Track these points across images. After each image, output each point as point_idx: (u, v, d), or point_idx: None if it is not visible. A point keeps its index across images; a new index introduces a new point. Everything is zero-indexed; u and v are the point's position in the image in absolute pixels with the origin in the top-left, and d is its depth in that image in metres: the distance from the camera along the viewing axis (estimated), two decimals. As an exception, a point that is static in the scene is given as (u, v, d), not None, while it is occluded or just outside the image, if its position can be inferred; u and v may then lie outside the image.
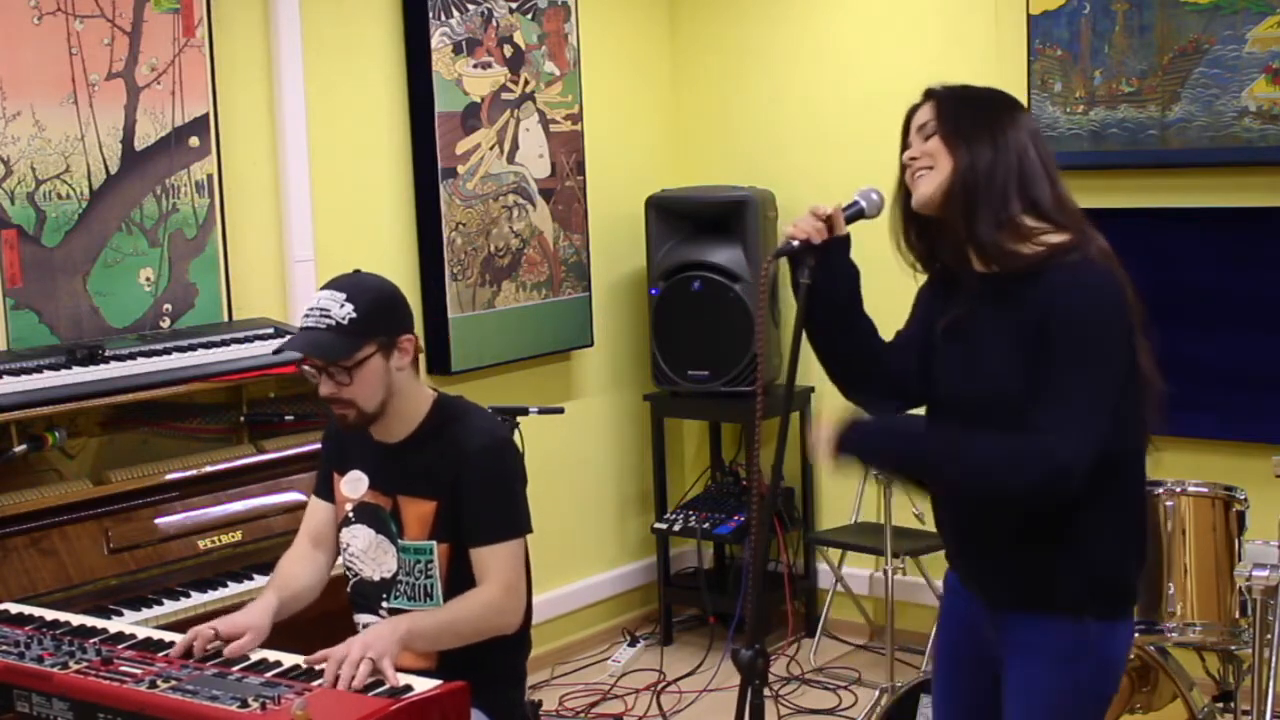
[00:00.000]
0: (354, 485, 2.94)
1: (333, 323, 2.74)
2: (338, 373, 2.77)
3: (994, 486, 2.39)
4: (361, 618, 2.94)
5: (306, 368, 2.84)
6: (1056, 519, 2.42)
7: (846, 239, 2.55)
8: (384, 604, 2.90)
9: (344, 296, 2.77)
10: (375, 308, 2.79)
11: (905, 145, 2.55)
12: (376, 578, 2.91)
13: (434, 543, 2.84)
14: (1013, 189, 2.44)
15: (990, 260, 2.44)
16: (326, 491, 3.03)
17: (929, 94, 2.53)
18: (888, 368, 2.63)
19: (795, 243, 2.48)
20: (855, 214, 2.56)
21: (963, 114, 2.48)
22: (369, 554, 2.91)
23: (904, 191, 2.55)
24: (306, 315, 2.79)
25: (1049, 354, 2.35)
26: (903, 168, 2.55)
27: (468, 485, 2.81)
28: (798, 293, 2.50)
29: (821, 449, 2.45)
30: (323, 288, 2.83)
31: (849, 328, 2.59)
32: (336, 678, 2.46)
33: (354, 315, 2.75)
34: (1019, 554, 2.47)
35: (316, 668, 2.51)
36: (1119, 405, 2.38)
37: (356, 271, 2.93)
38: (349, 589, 2.97)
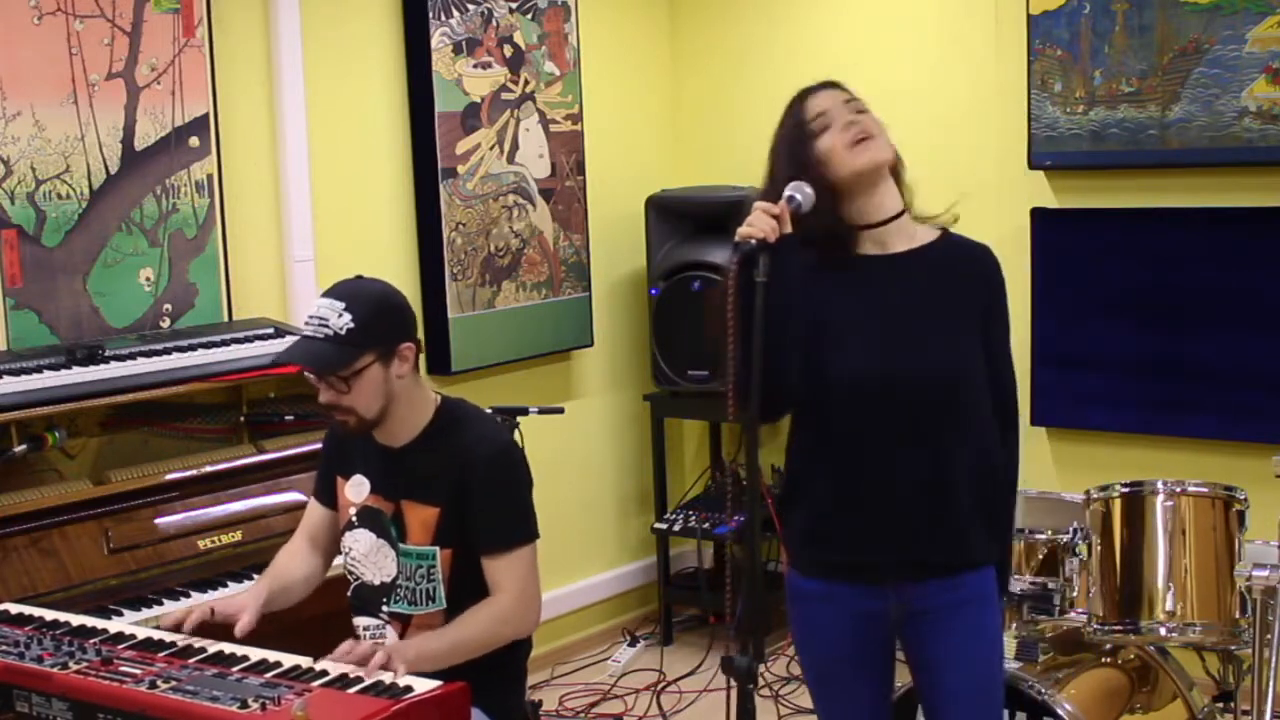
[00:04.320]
0: (357, 489, 2.95)
1: (330, 333, 2.74)
2: (336, 382, 2.77)
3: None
4: (361, 620, 2.95)
5: (309, 374, 2.85)
6: (969, 485, 2.64)
7: (793, 236, 2.58)
8: (384, 608, 2.90)
9: (343, 306, 2.76)
10: (374, 317, 2.78)
11: (812, 123, 2.64)
12: (377, 582, 2.91)
13: (436, 548, 2.84)
14: None
15: (897, 231, 2.68)
16: (326, 496, 3.03)
17: (830, 84, 2.71)
18: (785, 373, 2.62)
19: (754, 242, 2.49)
20: (794, 209, 2.58)
21: None
22: (370, 558, 2.91)
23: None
24: (306, 323, 2.79)
25: (997, 326, 2.72)
26: (816, 142, 2.63)
27: (475, 493, 2.81)
28: (750, 292, 2.48)
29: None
30: (324, 294, 2.83)
31: (787, 328, 2.59)
32: (354, 666, 2.51)
33: (351, 326, 2.74)
34: (942, 525, 2.64)
35: (327, 664, 2.53)
36: None
37: (359, 277, 2.91)
38: (350, 593, 2.97)
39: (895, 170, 2.68)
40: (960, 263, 2.70)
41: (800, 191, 2.57)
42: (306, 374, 2.85)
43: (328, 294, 2.82)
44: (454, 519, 2.82)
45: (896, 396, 2.60)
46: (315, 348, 2.75)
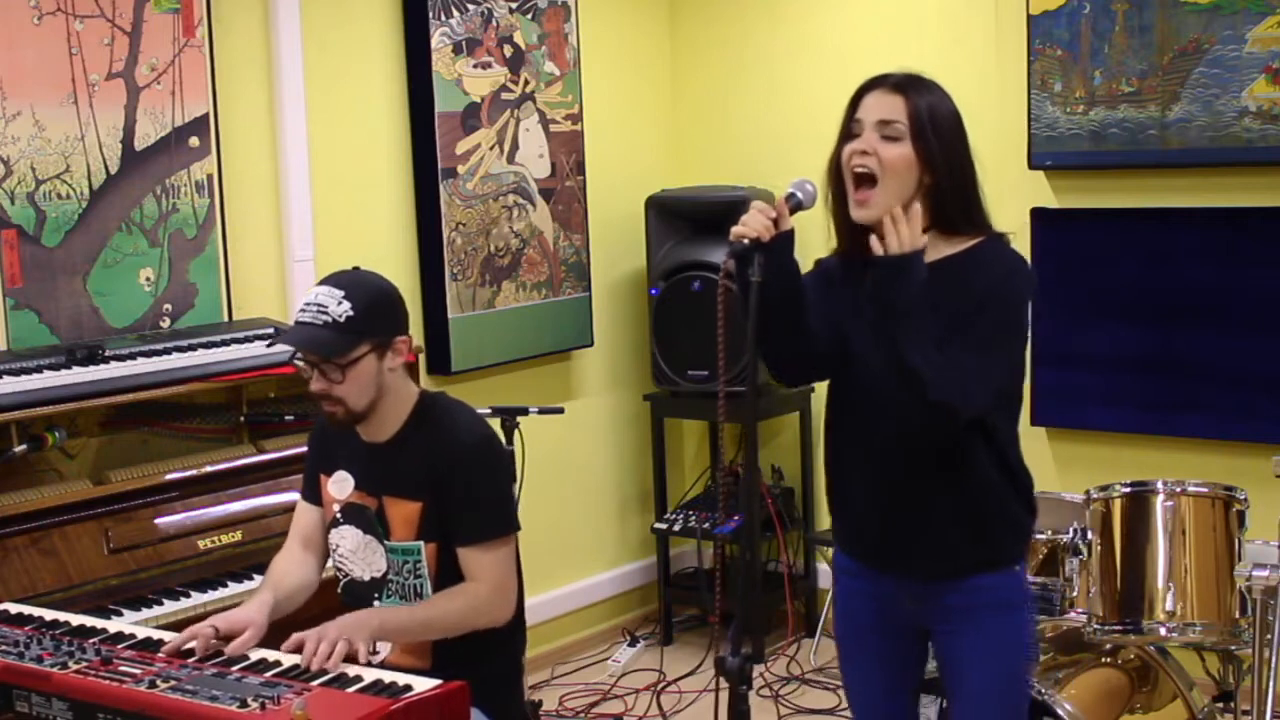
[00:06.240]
0: (340, 486, 2.93)
1: (329, 319, 2.73)
2: (330, 370, 2.75)
3: (920, 380, 2.45)
4: None
5: (299, 362, 2.83)
6: (982, 490, 2.59)
7: (792, 234, 2.56)
8: (375, 603, 2.90)
9: (342, 294, 2.75)
10: (373, 307, 2.77)
11: (852, 123, 2.58)
12: (367, 577, 2.90)
13: (421, 543, 2.84)
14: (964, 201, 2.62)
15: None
16: (313, 495, 3.02)
17: (899, 89, 2.56)
18: (819, 358, 2.69)
19: (746, 241, 2.49)
20: (794, 206, 2.57)
21: (939, 133, 2.56)
22: (358, 554, 2.91)
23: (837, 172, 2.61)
24: (303, 310, 2.77)
25: (979, 317, 2.50)
26: (844, 147, 2.59)
27: (454, 486, 2.80)
28: (746, 291, 2.49)
29: (904, 237, 2.48)
30: (320, 283, 2.82)
31: (795, 322, 2.62)
32: (313, 657, 2.53)
33: (351, 314, 2.73)
34: (953, 526, 2.60)
35: (284, 655, 2.54)
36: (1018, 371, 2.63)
37: (356, 269, 2.91)
38: (339, 589, 2.97)
39: (934, 188, 2.56)
40: (957, 276, 2.55)
41: (802, 189, 2.57)
42: (297, 362, 2.83)
43: (325, 282, 2.81)
44: (435, 513, 2.82)
45: (868, 402, 2.63)
46: (314, 333, 2.74)
